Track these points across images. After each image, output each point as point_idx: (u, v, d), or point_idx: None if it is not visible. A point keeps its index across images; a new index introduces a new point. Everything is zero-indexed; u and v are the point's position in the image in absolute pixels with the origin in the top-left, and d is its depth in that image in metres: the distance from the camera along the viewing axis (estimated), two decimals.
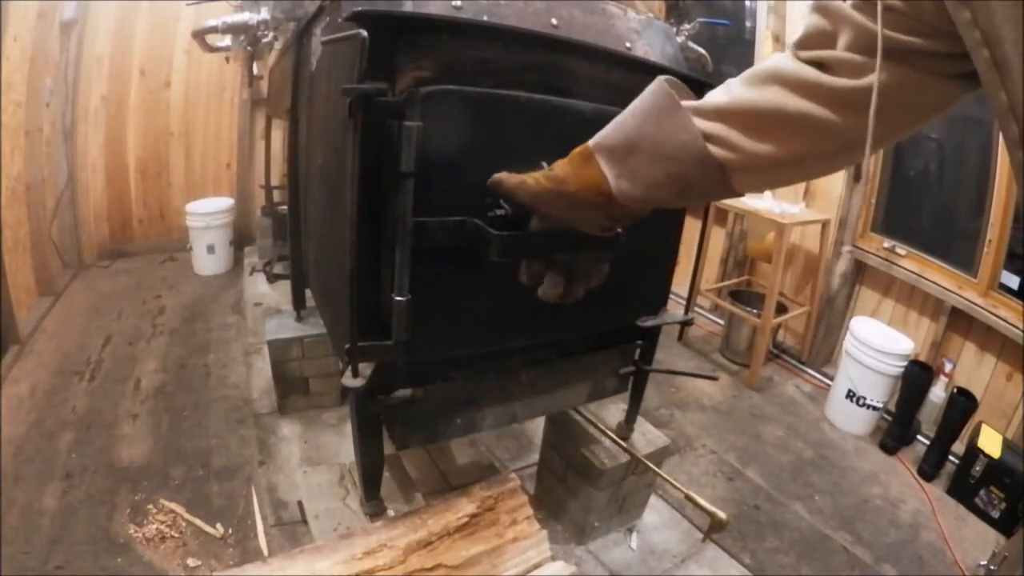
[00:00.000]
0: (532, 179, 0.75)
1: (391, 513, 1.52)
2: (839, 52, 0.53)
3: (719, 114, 0.59)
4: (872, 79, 0.49)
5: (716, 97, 0.61)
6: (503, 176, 0.80)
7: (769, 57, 0.55)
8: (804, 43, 0.56)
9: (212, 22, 2.80)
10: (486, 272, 1.13)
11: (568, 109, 1.30)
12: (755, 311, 3.32)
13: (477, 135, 1.19)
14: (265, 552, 1.90)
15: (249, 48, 2.98)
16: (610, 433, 1.91)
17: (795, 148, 0.58)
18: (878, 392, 2.88)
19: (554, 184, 0.71)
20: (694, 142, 0.60)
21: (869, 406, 2.91)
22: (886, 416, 2.99)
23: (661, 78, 0.63)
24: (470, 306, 1.31)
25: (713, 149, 0.60)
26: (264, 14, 2.67)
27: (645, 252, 1.48)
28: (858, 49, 0.51)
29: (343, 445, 2.37)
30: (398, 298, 1.19)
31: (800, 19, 3.54)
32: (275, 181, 3.82)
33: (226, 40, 2.99)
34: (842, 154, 0.58)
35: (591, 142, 0.69)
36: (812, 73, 0.54)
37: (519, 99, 1.27)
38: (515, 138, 1.24)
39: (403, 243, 1.16)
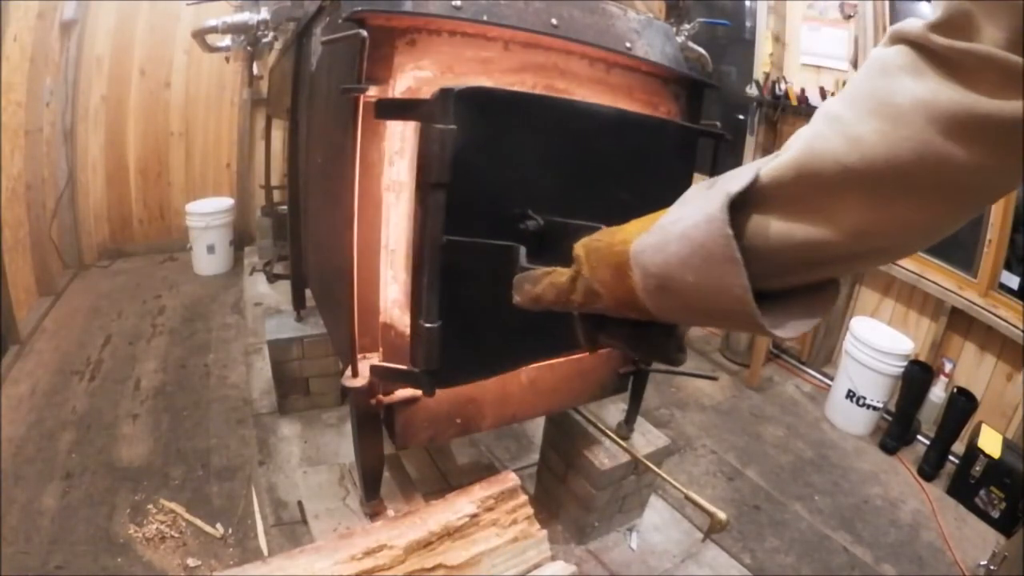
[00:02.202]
0: (554, 289, 0.58)
1: (391, 513, 1.52)
2: (997, 52, 0.34)
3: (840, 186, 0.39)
4: None
5: (823, 149, 0.39)
6: (518, 282, 0.62)
7: (871, 59, 0.40)
8: (947, 27, 0.35)
9: (212, 22, 2.80)
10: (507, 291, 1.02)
11: (590, 111, 1.27)
12: None
13: (507, 138, 1.12)
14: (265, 552, 1.90)
15: (249, 48, 2.98)
16: (610, 433, 1.91)
17: (910, 219, 0.39)
18: (878, 392, 2.88)
19: (584, 298, 0.55)
20: (742, 308, 0.42)
21: (869, 406, 2.91)
22: (886, 416, 2.99)
23: (726, 200, 0.41)
24: (496, 326, 1.20)
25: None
26: (264, 14, 2.67)
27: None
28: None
29: (343, 445, 2.37)
30: (427, 325, 1.09)
31: (800, 21, 3.54)
32: (275, 181, 3.83)
33: (226, 40, 2.99)
34: (957, 219, 0.40)
35: (632, 249, 0.49)
36: (968, 97, 0.35)
37: (545, 100, 1.22)
38: (542, 141, 1.18)
39: (433, 263, 1.05)
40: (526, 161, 1.16)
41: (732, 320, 0.45)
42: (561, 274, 0.57)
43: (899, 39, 0.38)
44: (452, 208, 1.06)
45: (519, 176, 1.15)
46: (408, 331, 1.32)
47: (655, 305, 0.49)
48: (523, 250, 0.79)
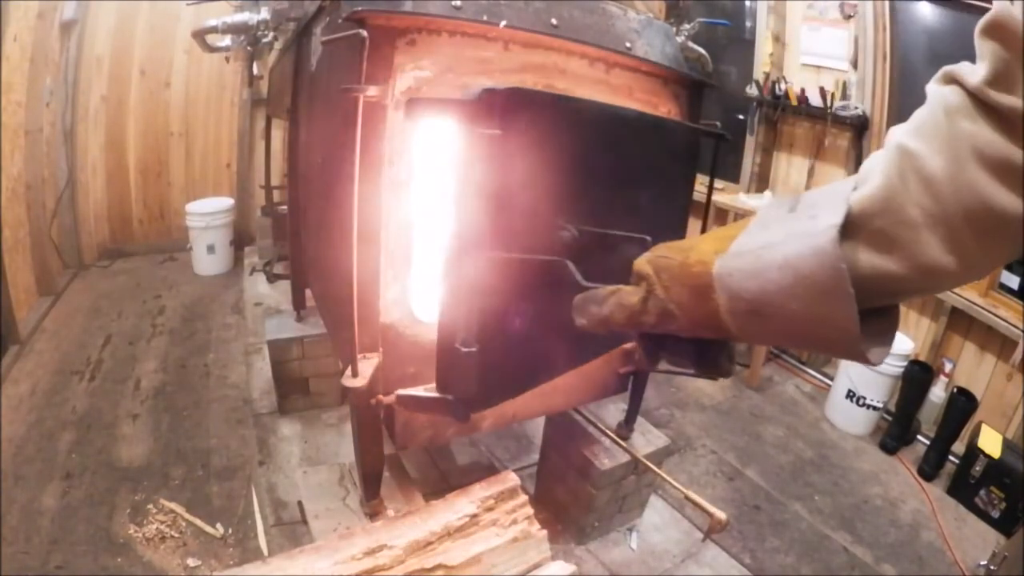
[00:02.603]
0: (624, 311, 0.55)
1: (391, 513, 1.52)
2: None
3: (928, 220, 0.41)
4: None
5: (911, 197, 0.41)
6: (581, 304, 0.59)
7: (932, 96, 0.43)
8: (996, 81, 0.38)
9: (212, 22, 2.81)
10: (547, 306, 0.91)
11: (615, 114, 1.25)
12: None
13: (540, 143, 1.04)
14: (265, 552, 1.90)
15: (249, 48, 2.98)
16: (610, 433, 1.91)
17: (976, 261, 0.42)
18: (878, 392, 2.88)
19: (657, 319, 0.53)
20: (847, 337, 0.43)
21: (869, 406, 2.91)
22: (886, 416, 2.99)
23: (836, 235, 0.41)
24: (526, 341, 1.13)
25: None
26: (264, 14, 2.68)
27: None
28: None
29: (343, 445, 2.37)
30: (465, 350, 1.00)
31: (800, 21, 3.54)
32: (275, 181, 3.83)
33: (226, 40, 2.99)
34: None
35: (715, 271, 0.48)
36: (1010, 148, 0.38)
37: (580, 103, 1.17)
38: (574, 146, 1.11)
39: (474, 283, 0.96)
40: (559, 167, 1.08)
41: (828, 346, 0.46)
42: (630, 293, 0.55)
43: (952, 81, 0.41)
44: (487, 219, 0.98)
45: (552, 184, 1.05)
46: (408, 331, 1.32)
47: (740, 328, 0.48)
48: (572, 266, 0.73)
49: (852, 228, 0.43)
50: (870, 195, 0.43)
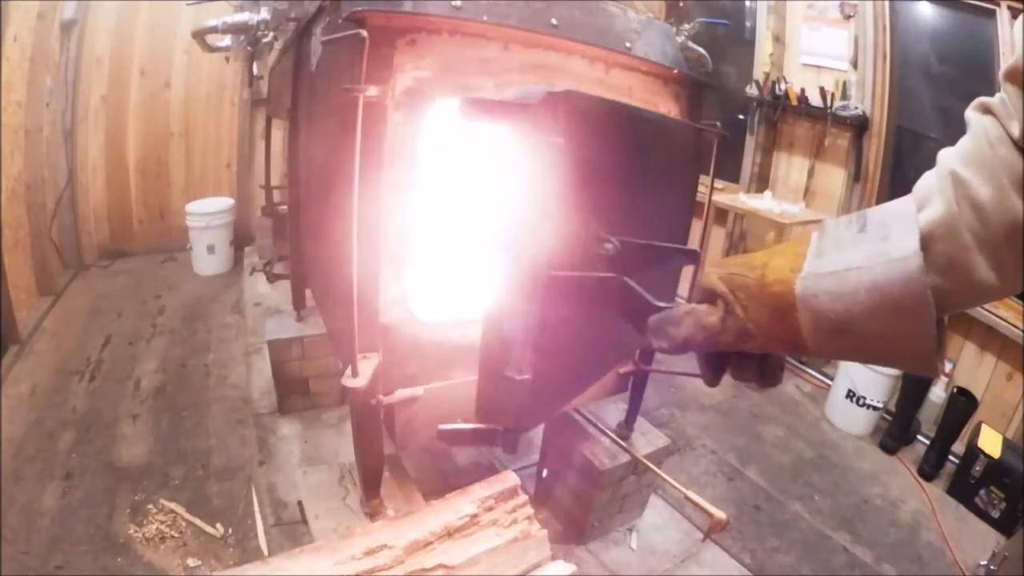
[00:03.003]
0: (703, 332, 0.55)
1: (391, 513, 1.52)
2: None
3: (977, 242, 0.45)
4: None
5: (962, 219, 0.45)
6: (659, 326, 0.58)
7: (974, 125, 0.47)
8: None
9: (212, 22, 2.81)
10: (592, 323, 0.91)
11: (644, 118, 1.23)
12: None
13: (592, 150, 0.98)
14: (265, 552, 1.90)
15: (249, 48, 2.98)
16: (610, 433, 1.91)
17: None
18: (878, 392, 2.88)
19: (735, 338, 0.53)
20: (923, 353, 0.46)
21: (869, 406, 2.91)
22: (886, 416, 2.99)
23: (922, 262, 0.44)
24: (566, 359, 1.08)
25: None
26: (264, 14, 2.68)
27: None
28: None
29: (343, 445, 2.37)
30: (519, 377, 0.94)
31: (800, 21, 3.54)
32: (275, 181, 3.83)
33: (226, 40, 2.99)
34: None
35: (799, 291, 0.49)
36: None
37: (630, 110, 1.15)
38: (614, 152, 1.07)
39: (531, 305, 0.89)
40: (602, 175, 1.01)
41: (901, 361, 0.49)
42: (707, 313, 0.54)
43: (988, 112, 0.46)
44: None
45: (598, 193, 0.99)
46: (408, 331, 1.32)
47: (820, 346, 0.50)
48: (633, 283, 0.69)
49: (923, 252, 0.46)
50: (934, 220, 0.46)
